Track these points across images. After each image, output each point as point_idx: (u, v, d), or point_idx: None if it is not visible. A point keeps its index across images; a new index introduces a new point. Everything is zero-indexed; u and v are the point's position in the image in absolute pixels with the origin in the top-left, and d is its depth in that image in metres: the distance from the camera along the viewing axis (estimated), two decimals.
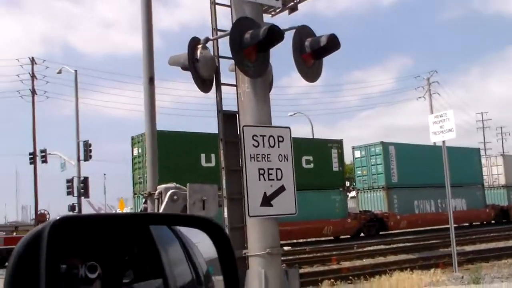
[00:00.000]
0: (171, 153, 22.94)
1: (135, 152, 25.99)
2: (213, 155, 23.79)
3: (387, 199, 33.84)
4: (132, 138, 26.33)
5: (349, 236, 32.03)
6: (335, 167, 30.37)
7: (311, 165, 28.93)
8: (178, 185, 7.41)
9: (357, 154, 36.25)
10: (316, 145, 30.32)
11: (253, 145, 6.92)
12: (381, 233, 33.48)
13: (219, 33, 7.39)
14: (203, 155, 24.38)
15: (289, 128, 7.27)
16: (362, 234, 33.24)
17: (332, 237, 31.50)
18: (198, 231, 2.41)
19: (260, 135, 7.01)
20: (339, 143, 30.85)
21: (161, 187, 7.38)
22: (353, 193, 37.90)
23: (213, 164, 23.85)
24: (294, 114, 48.99)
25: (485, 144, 79.04)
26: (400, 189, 34.42)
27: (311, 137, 41.53)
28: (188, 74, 7.22)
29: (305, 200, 27.85)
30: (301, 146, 27.81)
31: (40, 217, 41.64)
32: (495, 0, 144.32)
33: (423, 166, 34.21)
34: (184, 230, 2.64)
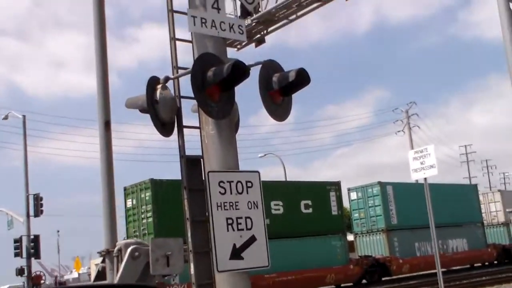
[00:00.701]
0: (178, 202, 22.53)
1: (129, 203, 25.29)
2: None
3: (387, 242, 32.86)
4: (125, 189, 25.70)
5: (351, 284, 30.92)
6: (334, 210, 29.58)
7: (310, 210, 28.20)
8: (139, 240, 6.91)
9: (353, 195, 35.32)
10: (314, 188, 29.35)
11: (220, 192, 6.49)
12: (383, 279, 32.27)
13: (180, 71, 7.00)
14: None
15: (258, 172, 6.84)
16: (364, 281, 32.03)
17: (333, 286, 30.38)
18: None
19: (227, 181, 6.58)
20: (337, 185, 30.13)
21: (120, 243, 6.93)
22: (350, 237, 37.19)
23: None
24: (265, 155, 48.42)
25: (471, 179, 78.64)
26: (400, 231, 33.54)
27: (283, 179, 40.94)
28: (148, 116, 6.80)
29: (305, 247, 27.24)
30: (300, 189, 27.42)
31: (35, 279, 39.66)
32: (473, 26, 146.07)
33: (422, 205, 33.77)
34: None
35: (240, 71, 6.39)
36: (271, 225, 22.25)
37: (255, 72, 6.68)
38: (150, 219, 23.72)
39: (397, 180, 35.50)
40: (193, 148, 7.07)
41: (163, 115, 6.81)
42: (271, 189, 25.60)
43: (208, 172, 6.52)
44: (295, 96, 7.04)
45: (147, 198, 24.09)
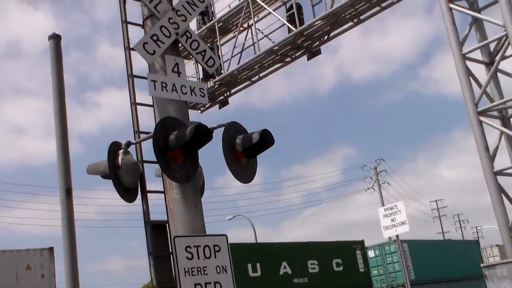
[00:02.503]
0: None
1: None
2: (258, 264, 25.14)
3: None
4: None
5: None
6: (361, 268, 30.87)
7: (341, 268, 29.43)
8: None
9: (371, 253, 37.33)
10: (342, 247, 30.91)
11: (187, 257, 6.48)
12: None
13: (142, 136, 7.08)
14: (249, 265, 25.26)
15: (225, 235, 6.86)
16: None
17: None
18: None
19: (194, 246, 6.58)
20: (361, 244, 31.65)
21: None
22: None
23: (259, 273, 25.20)
24: (234, 217, 47.83)
25: (444, 234, 79.04)
26: (420, 285, 34.97)
27: (254, 241, 41.18)
28: (110, 182, 6.80)
29: None
30: (330, 249, 29.08)
31: None
32: (435, 81, 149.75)
33: (437, 260, 36.37)
34: None
35: (202, 134, 6.47)
36: (309, 283, 25.19)
37: (219, 133, 6.81)
38: None
39: (370, 238, 37.64)
40: (158, 212, 7.08)
41: (126, 181, 6.81)
42: (307, 249, 27.81)
43: (174, 237, 6.50)
44: (261, 157, 7.14)
45: None
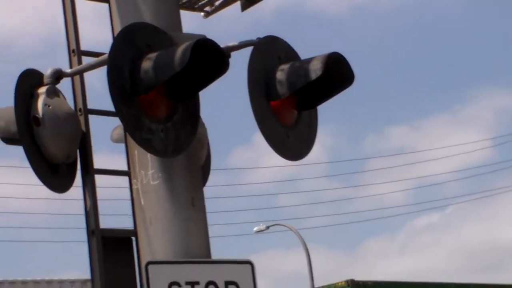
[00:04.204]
0: None
1: None
2: None
3: None
4: None
5: None
6: None
7: None
8: None
9: None
10: None
11: None
12: None
13: (87, 61, 4.81)
14: None
15: (250, 262, 4.60)
16: None
17: None
18: None
19: (187, 283, 4.33)
20: None
21: None
22: None
23: None
24: (267, 228, 29.21)
25: None
26: None
27: (306, 274, 27.41)
28: (18, 151, 4.58)
29: None
30: None
31: None
32: None
33: None
34: None
35: (208, 59, 4.34)
36: None
37: (243, 60, 4.53)
38: None
39: None
40: (115, 215, 5.07)
41: (53, 149, 4.61)
42: None
43: (147, 263, 4.33)
44: (325, 109, 4.94)
45: None
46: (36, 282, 20.28)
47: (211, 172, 5.38)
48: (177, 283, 4.27)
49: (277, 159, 4.33)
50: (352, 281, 20.50)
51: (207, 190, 4.89)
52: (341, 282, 20.73)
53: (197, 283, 4.31)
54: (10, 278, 20.16)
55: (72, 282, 20.72)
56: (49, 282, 20.64)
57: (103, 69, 4.36)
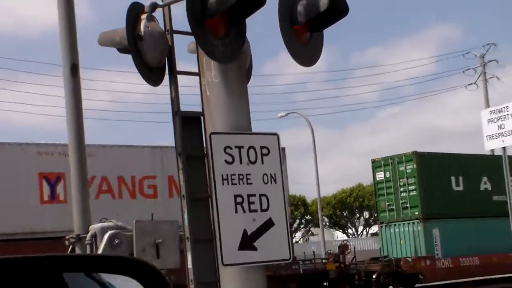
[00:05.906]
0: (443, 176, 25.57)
1: (379, 176, 27.01)
2: (460, 178, 25.48)
3: None
4: (373, 161, 27.43)
5: None
6: None
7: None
8: (120, 223, 6.09)
9: None
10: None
11: (226, 161, 5.91)
12: None
13: None
14: (453, 178, 25.58)
15: (276, 134, 6.20)
16: None
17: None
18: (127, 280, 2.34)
19: (236, 147, 5.96)
20: None
21: (95, 227, 6.11)
22: (374, 228, 35.53)
23: (461, 187, 25.43)
24: (287, 114, 40.78)
25: None
26: None
27: (311, 144, 38.14)
28: (128, 58, 6.14)
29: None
30: None
31: None
32: None
33: None
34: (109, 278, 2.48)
35: None
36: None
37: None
38: (414, 192, 25.40)
39: (465, 151, 34.02)
40: (190, 104, 6.69)
41: (150, 56, 6.18)
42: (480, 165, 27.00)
43: (211, 134, 6.00)
44: (328, 33, 6.34)
45: (408, 171, 25.73)
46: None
47: (252, 77, 6.81)
48: (229, 147, 5.91)
49: (293, 70, 5.92)
50: (416, 152, 25.15)
51: (249, 89, 6.41)
52: (408, 152, 25.66)
53: (242, 147, 5.96)
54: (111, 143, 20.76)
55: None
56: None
57: (183, 3, 5.80)
